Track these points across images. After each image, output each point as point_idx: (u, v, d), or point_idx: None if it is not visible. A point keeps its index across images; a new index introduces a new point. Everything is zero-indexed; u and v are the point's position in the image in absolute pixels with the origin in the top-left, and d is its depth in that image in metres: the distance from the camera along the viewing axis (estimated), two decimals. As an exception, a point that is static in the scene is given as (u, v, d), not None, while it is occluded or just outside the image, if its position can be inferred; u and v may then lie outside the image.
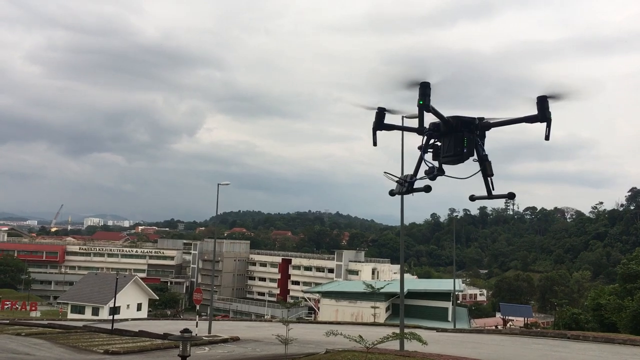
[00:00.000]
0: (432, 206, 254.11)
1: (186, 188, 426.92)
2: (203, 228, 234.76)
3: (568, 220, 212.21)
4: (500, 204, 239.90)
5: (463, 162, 5.17)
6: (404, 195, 5.31)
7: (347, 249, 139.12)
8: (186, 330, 11.32)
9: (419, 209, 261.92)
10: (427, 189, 5.24)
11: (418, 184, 5.29)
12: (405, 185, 5.32)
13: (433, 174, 5.17)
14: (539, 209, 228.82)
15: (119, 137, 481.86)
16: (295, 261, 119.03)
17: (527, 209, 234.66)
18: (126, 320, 47.85)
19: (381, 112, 5.42)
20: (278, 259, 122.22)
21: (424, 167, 5.24)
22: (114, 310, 44.09)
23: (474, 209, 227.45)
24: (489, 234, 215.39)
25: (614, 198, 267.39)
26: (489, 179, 5.33)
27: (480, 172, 5.31)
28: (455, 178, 5.34)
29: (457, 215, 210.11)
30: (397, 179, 5.40)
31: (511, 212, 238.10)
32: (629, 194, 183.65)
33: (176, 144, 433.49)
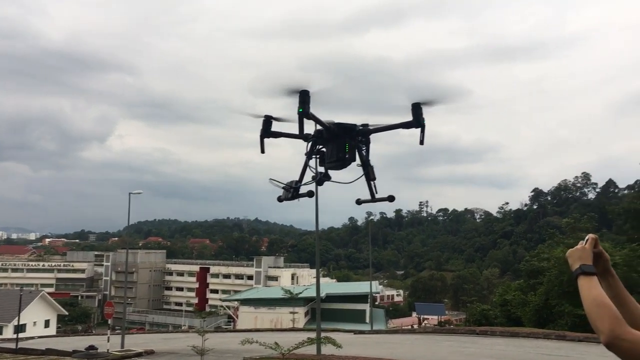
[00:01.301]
0: (351, 210, 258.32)
1: (97, 198, 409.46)
2: (116, 239, 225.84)
3: (477, 220, 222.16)
4: (414, 206, 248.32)
5: (346, 167, 5.39)
6: (292, 201, 5.41)
7: (267, 255, 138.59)
8: (91, 347, 10.91)
9: (337, 213, 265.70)
10: (310, 194, 5.42)
11: (304, 190, 5.46)
12: (291, 191, 5.48)
13: (319, 179, 5.36)
14: (450, 210, 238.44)
15: (23, 145, 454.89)
16: (213, 269, 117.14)
17: (439, 210, 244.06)
18: (32, 338, 45.22)
19: (268, 120, 5.56)
20: (196, 268, 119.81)
21: (310, 173, 5.42)
22: (19, 328, 41.63)
23: (390, 212, 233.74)
24: (404, 236, 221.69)
25: (518, 198, 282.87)
26: (372, 182, 5.59)
27: (363, 176, 5.57)
28: (340, 183, 5.55)
29: (373, 219, 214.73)
30: (283, 185, 5.54)
31: (425, 214, 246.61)
32: (532, 194, 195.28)
33: (86, 151, 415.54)
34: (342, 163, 5.31)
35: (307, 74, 5.09)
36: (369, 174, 5.47)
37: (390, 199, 5.67)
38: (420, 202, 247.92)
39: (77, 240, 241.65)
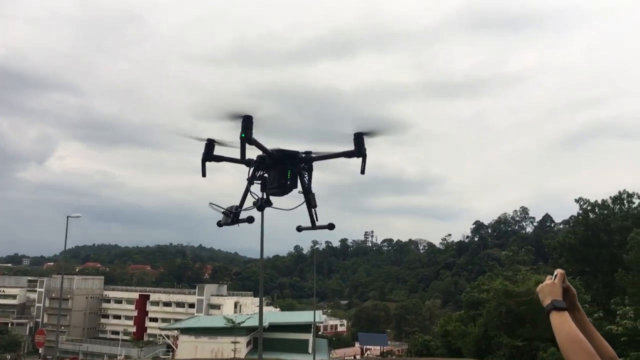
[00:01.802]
0: (296, 239, 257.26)
1: (34, 220, 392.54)
2: (52, 263, 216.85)
3: (421, 251, 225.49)
4: (360, 235, 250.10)
5: (287, 193, 5.44)
6: (233, 226, 5.40)
7: (210, 282, 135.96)
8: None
9: (283, 241, 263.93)
10: (250, 219, 5.43)
11: (245, 215, 5.45)
12: (231, 216, 5.46)
13: (259, 204, 5.37)
14: (395, 240, 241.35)
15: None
16: (153, 297, 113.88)
17: (384, 240, 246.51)
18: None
19: (210, 144, 5.57)
20: (135, 295, 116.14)
21: (251, 199, 5.42)
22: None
23: (335, 241, 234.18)
24: (349, 265, 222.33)
25: (461, 230, 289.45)
26: (312, 210, 5.65)
27: (305, 203, 5.62)
28: (281, 209, 5.59)
29: (319, 248, 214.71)
30: (223, 210, 5.52)
31: (370, 244, 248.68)
32: (473, 226, 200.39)
33: (23, 172, 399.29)
34: (283, 189, 5.34)
35: (252, 101, 5.13)
36: (310, 201, 5.52)
37: (331, 226, 5.72)
38: (366, 232, 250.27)
39: (9, 265, 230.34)
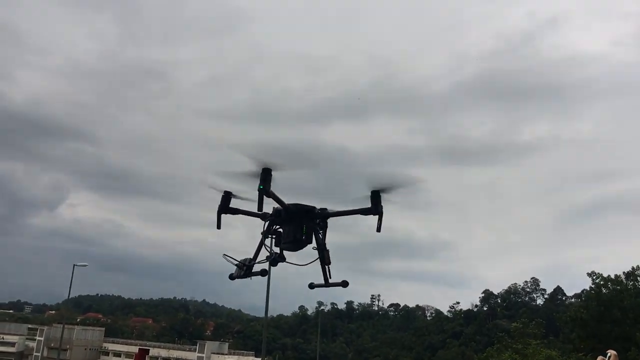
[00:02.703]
0: (301, 299, 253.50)
1: (39, 267, 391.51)
2: (53, 312, 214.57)
3: (428, 318, 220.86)
4: (366, 299, 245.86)
5: (302, 249, 5.38)
6: (244, 278, 5.32)
7: (211, 339, 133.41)
8: None
9: (287, 300, 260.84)
10: (264, 272, 5.35)
11: (258, 268, 5.36)
12: (244, 269, 5.37)
13: (273, 259, 5.29)
14: (402, 305, 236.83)
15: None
16: (153, 351, 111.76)
17: (391, 305, 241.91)
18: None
19: (227, 196, 5.55)
20: (134, 349, 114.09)
21: (264, 253, 5.34)
22: None
23: (341, 302, 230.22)
24: (354, 329, 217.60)
25: (469, 298, 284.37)
26: (326, 267, 5.56)
27: (318, 260, 5.54)
28: (295, 265, 5.49)
29: (324, 309, 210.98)
30: (237, 262, 5.44)
31: (376, 308, 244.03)
32: (483, 295, 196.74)
33: (34, 218, 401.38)
34: (298, 244, 5.26)
35: (268, 157, 5.13)
36: (325, 258, 5.42)
37: (344, 284, 5.59)
38: (372, 295, 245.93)
39: (10, 311, 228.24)
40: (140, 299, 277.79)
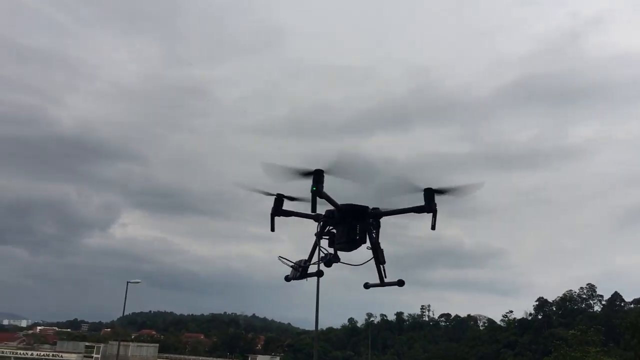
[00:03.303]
0: (350, 311, 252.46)
1: (94, 285, 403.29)
2: (109, 329, 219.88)
3: (481, 327, 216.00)
4: (416, 309, 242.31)
5: (356, 248, 5.39)
6: (300, 280, 5.35)
7: (262, 353, 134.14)
8: None
9: (336, 313, 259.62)
10: (320, 273, 5.37)
11: (313, 269, 5.38)
12: (299, 270, 5.42)
13: (328, 259, 5.31)
14: (453, 315, 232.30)
15: (24, 229, 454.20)
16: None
17: (441, 315, 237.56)
18: None
19: (280, 199, 5.63)
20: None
21: (320, 254, 5.35)
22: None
23: (390, 314, 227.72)
24: (405, 340, 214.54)
25: (522, 307, 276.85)
26: (381, 266, 5.54)
27: (373, 259, 5.53)
28: (350, 265, 5.49)
29: (373, 321, 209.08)
30: (292, 264, 5.49)
31: (427, 319, 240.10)
32: (537, 303, 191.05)
33: (87, 238, 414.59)
34: (352, 244, 5.27)
35: (320, 160, 5.20)
36: (379, 257, 5.41)
37: (400, 283, 5.52)
38: (422, 306, 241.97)
39: (68, 330, 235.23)
40: (192, 314, 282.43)
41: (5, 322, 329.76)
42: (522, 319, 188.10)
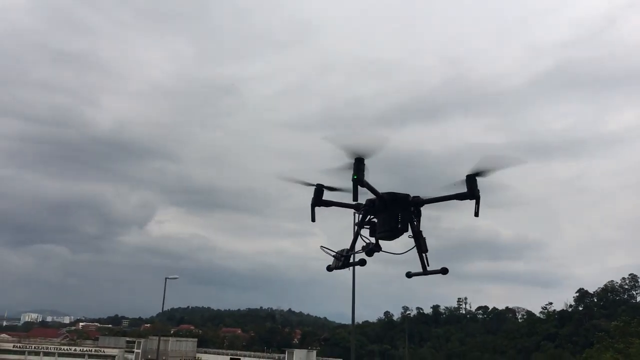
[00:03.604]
0: (385, 304, 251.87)
1: (133, 282, 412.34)
2: (149, 325, 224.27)
3: (519, 320, 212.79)
4: (452, 302, 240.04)
5: (397, 237, 5.30)
6: (342, 269, 5.31)
7: (299, 347, 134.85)
8: None
9: (372, 307, 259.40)
10: (362, 262, 5.30)
11: (355, 259, 5.33)
12: (342, 260, 5.36)
13: (369, 249, 5.24)
14: (490, 308, 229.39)
15: (65, 228, 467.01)
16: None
17: (479, 308, 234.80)
18: None
19: (320, 189, 5.58)
20: (226, 358, 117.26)
21: (360, 243, 5.29)
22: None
23: (427, 307, 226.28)
24: (442, 334, 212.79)
25: (562, 299, 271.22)
26: (423, 255, 5.44)
27: (415, 248, 5.43)
28: (391, 254, 5.42)
29: (409, 314, 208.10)
30: (334, 253, 5.44)
31: (464, 312, 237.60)
32: (577, 294, 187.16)
33: (125, 236, 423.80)
34: (393, 233, 5.18)
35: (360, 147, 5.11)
36: (421, 246, 5.32)
37: (444, 271, 5.40)
38: (459, 299, 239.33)
39: (110, 325, 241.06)
40: (229, 309, 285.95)
41: (49, 319, 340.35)
42: (562, 310, 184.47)
